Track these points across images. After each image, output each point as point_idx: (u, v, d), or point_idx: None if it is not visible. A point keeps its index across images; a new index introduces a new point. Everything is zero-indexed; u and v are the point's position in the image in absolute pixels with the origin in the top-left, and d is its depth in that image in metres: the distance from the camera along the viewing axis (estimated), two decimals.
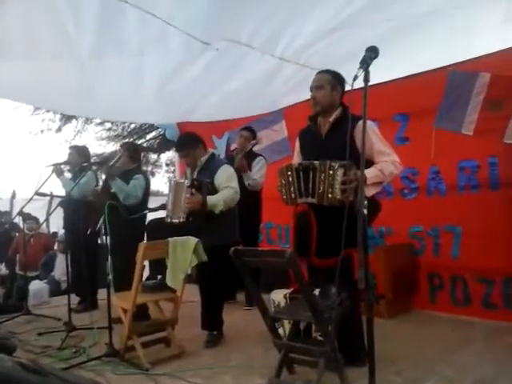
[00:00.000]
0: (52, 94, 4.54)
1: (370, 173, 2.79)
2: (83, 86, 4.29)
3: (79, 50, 3.55)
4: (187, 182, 3.59)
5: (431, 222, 4.36)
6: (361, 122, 2.22)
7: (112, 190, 4.20)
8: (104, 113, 6.14)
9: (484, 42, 3.66)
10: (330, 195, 2.77)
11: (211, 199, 3.55)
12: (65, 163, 4.93)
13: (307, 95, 3.17)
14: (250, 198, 4.52)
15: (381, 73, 3.01)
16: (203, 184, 3.60)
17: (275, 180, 3.11)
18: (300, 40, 3.68)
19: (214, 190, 3.64)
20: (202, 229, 3.50)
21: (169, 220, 3.67)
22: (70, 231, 4.86)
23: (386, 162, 2.91)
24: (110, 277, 3.60)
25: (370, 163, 2.88)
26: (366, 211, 1.80)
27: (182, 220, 3.53)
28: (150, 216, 4.36)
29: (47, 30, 3.26)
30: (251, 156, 4.84)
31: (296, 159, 3.26)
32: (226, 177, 3.71)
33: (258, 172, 4.78)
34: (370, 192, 2.81)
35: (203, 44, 3.52)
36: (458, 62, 4.05)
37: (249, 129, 4.97)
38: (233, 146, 5.78)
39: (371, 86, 2.12)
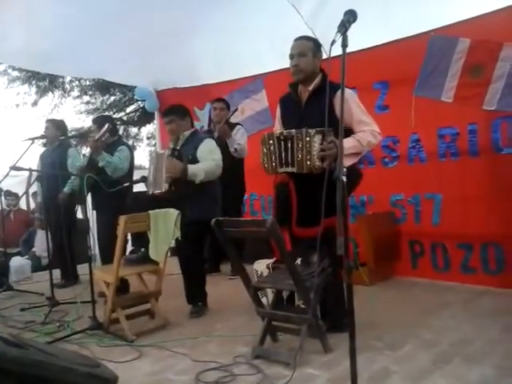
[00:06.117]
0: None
1: (347, 143, 2.74)
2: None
3: None
4: (167, 152, 3.58)
5: (412, 189, 4.40)
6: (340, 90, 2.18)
7: (100, 165, 4.12)
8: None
9: (464, 7, 3.63)
10: (308, 162, 2.76)
11: (191, 167, 3.54)
12: (41, 137, 4.83)
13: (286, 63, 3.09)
14: (234, 168, 4.55)
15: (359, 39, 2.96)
16: (183, 153, 3.59)
17: (258, 151, 3.08)
18: None
19: (196, 162, 3.60)
20: (183, 204, 3.47)
21: (150, 192, 3.64)
22: (50, 206, 4.80)
23: (364, 131, 2.88)
24: (93, 251, 3.58)
25: (349, 132, 2.85)
26: (344, 179, 1.79)
27: (164, 190, 3.50)
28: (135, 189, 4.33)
29: None
30: (229, 126, 4.86)
31: (277, 126, 3.23)
32: (208, 150, 3.68)
33: (241, 138, 4.87)
34: (346, 163, 2.77)
35: None
36: (438, 28, 4.02)
37: (221, 100, 5.02)
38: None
39: (349, 53, 2.06)
